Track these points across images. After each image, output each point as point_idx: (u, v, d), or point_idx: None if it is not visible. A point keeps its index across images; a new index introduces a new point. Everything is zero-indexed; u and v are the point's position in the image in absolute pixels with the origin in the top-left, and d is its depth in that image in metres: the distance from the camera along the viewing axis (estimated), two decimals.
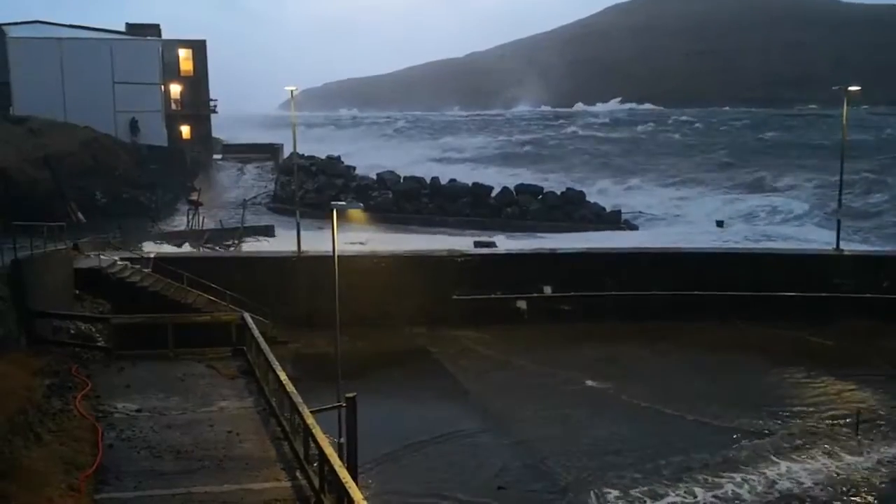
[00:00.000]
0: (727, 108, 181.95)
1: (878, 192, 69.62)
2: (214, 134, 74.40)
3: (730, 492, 20.66)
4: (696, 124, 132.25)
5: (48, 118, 51.45)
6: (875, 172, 76.15)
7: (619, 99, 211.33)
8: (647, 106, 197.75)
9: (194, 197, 47.85)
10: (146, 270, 31.86)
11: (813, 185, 73.51)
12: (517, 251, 41.15)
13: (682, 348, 32.81)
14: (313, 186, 60.95)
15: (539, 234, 55.64)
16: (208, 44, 67.39)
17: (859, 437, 24.05)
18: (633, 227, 61.02)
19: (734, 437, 24.12)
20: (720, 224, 60.46)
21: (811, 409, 26.42)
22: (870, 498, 20.37)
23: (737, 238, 53.81)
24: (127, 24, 67.45)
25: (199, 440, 16.65)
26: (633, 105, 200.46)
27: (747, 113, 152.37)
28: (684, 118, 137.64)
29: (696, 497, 20.45)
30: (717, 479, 21.34)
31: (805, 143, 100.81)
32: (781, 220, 62.94)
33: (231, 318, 24.32)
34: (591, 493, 20.41)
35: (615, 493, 20.54)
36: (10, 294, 21.43)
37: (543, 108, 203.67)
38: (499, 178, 72.26)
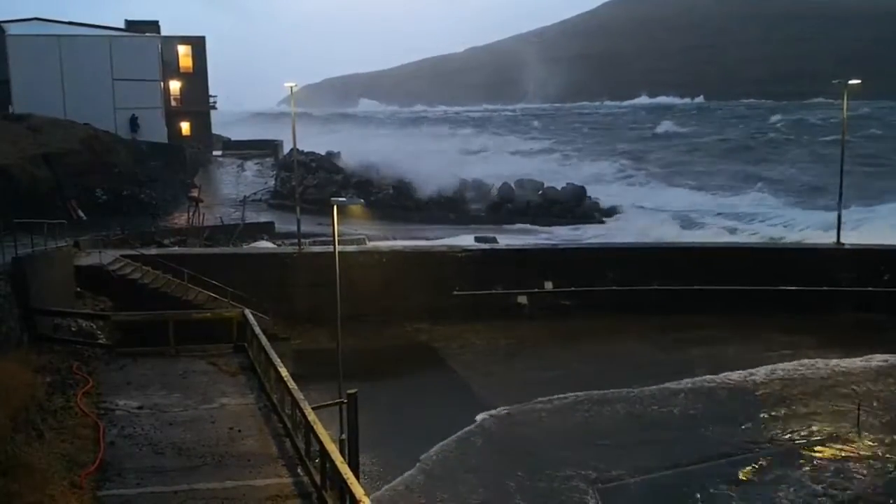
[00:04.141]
0: (751, 100, 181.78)
1: None
2: (214, 131, 74.33)
3: (736, 488, 20.68)
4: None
5: (48, 116, 51.33)
6: None
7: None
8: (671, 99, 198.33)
9: (194, 193, 47.77)
10: (147, 267, 31.86)
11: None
12: (518, 246, 41.14)
13: (682, 342, 32.79)
14: (313, 183, 60.87)
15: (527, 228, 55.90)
16: (207, 41, 67.36)
17: (860, 431, 24.05)
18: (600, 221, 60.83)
19: (734, 433, 24.15)
20: None
21: (812, 403, 26.43)
22: (868, 492, 20.37)
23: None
24: (126, 20, 67.29)
25: (201, 437, 16.67)
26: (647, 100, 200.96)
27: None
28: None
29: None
30: (718, 477, 21.39)
31: None
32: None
33: (232, 314, 24.34)
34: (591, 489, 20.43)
35: (621, 486, 20.59)
36: (12, 292, 21.45)
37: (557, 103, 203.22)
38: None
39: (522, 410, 25.75)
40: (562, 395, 26.72)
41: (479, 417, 24.84)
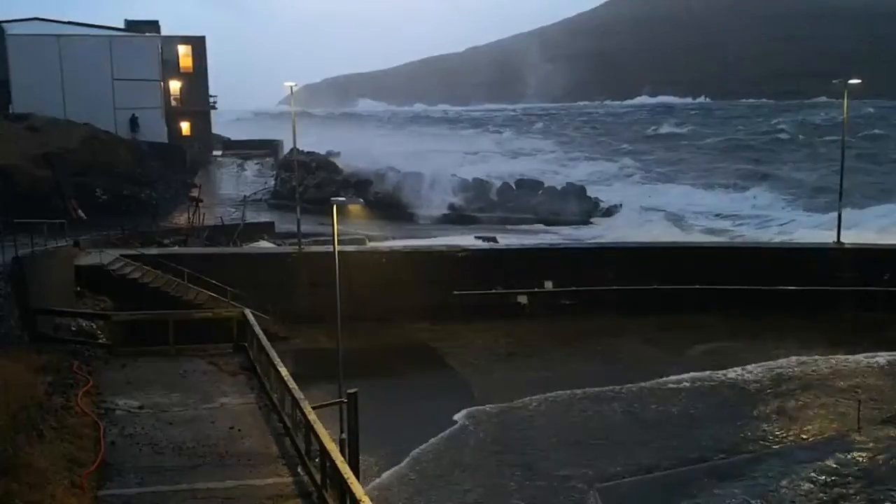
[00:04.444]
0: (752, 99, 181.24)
1: None
2: (214, 130, 74.29)
3: (736, 486, 20.68)
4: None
5: (48, 116, 51.36)
6: None
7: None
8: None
9: (195, 193, 47.80)
10: (147, 267, 31.87)
11: None
12: (518, 246, 41.19)
13: (681, 342, 32.80)
14: (313, 182, 60.82)
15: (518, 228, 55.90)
16: (208, 41, 67.34)
17: (861, 428, 24.08)
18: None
19: (735, 431, 24.17)
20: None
21: (813, 400, 26.46)
22: (869, 489, 20.38)
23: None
24: (126, 20, 67.25)
25: (201, 436, 16.68)
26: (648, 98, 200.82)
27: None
28: None
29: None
30: (718, 476, 21.39)
31: None
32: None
33: (232, 314, 24.36)
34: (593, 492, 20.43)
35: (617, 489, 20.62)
36: (12, 291, 21.47)
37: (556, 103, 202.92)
38: None
39: (514, 407, 25.85)
40: (556, 392, 26.78)
41: (461, 414, 24.96)
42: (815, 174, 77.03)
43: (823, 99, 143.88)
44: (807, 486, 20.51)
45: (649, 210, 64.29)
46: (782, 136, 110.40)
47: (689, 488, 20.57)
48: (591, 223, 59.28)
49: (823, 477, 20.96)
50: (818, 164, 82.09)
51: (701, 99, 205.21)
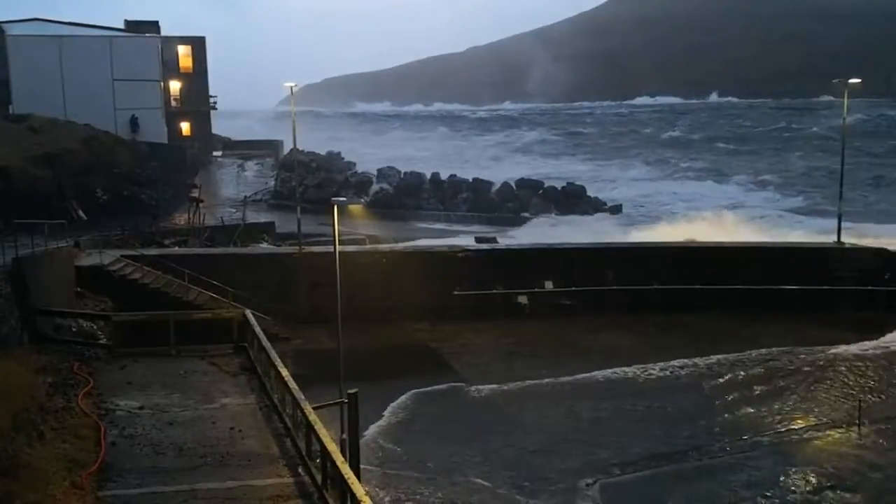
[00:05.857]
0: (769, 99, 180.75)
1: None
2: (214, 131, 74.37)
3: (737, 481, 20.71)
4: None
5: (48, 116, 51.40)
6: None
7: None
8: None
9: (195, 194, 47.77)
10: (147, 268, 31.87)
11: None
12: (518, 246, 41.17)
13: (682, 342, 32.79)
14: (314, 182, 60.82)
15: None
16: (207, 41, 67.41)
17: (861, 422, 24.11)
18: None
19: (736, 427, 24.18)
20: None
21: (813, 396, 26.48)
22: (869, 483, 20.41)
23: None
24: (126, 21, 67.32)
25: (202, 437, 16.69)
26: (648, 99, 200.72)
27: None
28: None
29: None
30: (718, 470, 21.41)
31: None
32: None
33: (233, 314, 24.40)
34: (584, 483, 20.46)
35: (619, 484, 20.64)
36: (12, 292, 21.48)
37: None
38: None
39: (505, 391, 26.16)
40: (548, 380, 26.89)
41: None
42: (822, 175, 76.94)
43: (830, 98, 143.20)
44: (807, 479, 20.57)
45: (642, 209, 64.30)
46: (790, 136, 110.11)
47: (688, 483, 20.63)
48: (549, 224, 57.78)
49: (824, 470, 21.04)
50: (826, 165, 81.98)
51: (705, 99, 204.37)
